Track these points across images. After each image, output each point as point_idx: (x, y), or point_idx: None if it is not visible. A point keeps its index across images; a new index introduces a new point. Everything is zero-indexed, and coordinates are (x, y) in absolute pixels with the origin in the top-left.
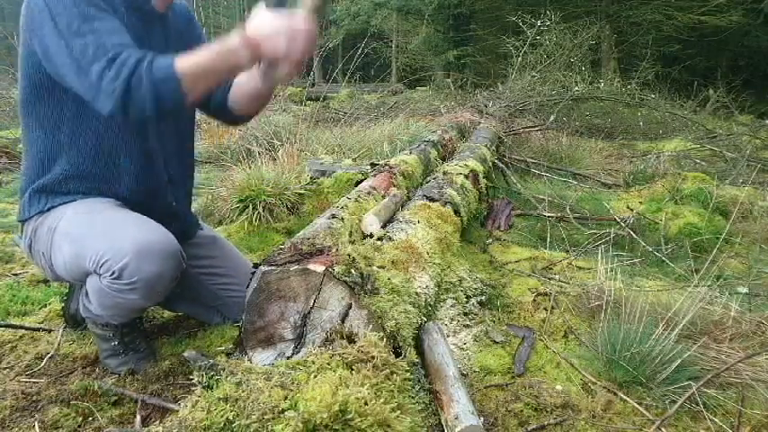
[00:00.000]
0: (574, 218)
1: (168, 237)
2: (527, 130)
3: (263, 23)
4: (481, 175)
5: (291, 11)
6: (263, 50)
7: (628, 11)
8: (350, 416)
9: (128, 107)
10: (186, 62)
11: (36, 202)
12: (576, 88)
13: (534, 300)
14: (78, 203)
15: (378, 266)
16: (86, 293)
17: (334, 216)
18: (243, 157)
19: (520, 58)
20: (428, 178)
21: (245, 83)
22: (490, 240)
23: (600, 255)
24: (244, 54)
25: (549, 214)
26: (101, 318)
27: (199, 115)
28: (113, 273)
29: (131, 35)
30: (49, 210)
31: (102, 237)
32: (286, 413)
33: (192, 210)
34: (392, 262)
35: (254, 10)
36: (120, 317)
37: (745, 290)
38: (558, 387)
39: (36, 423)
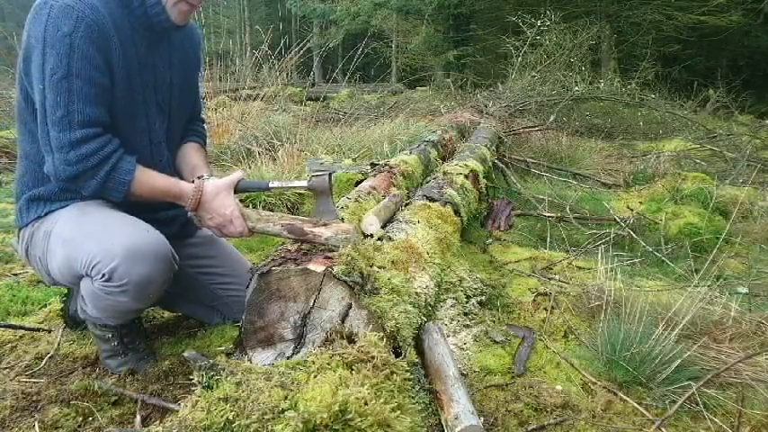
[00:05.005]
0: (574, 218)
1: (159, 238)
2: (527, 130)
3: (218, 205)
4: (481, 175)
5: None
6: (199, 215)
7: (628, 11)
8: (350, 416)
9: (68, 183)
10: (143, 182)
11: (34, 208)
12: (576, 88)
13: (534, 300)
14: (72, 207)
15: (378, 266)
16: (82, 296)
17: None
18: (243, 157)
19: (520, 58)
20: (428, 178)
21: (185, 168)
22: (490, 240)
23: (600, 255)
24: (187, 208)
25: (549, 214)
26: (98, 319)
27: None
28: (104, 275)
29: (134, 57)
30: (46, 215)
31: (93, 239)
32: (286, 413)
33: None
34: (392, 262)
35: (223, 192)
36: (116, 318)
37: (745, 290)
38: (558, 387)
39: (36, 423)
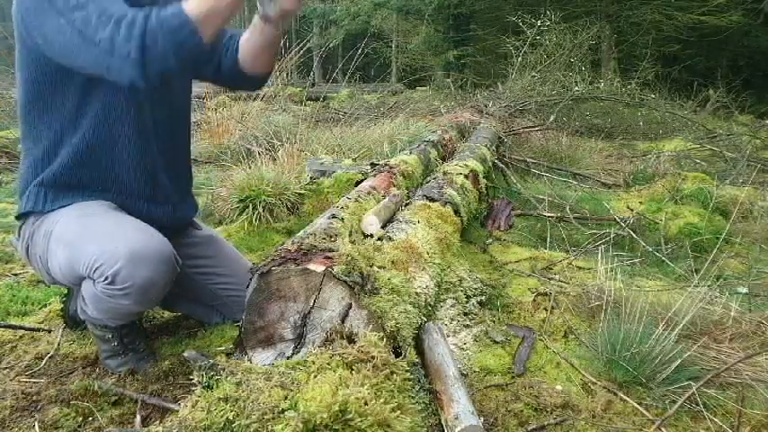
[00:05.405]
0: (574, 218)
1: (162, 241)
2: (527, 130)
3: None
4: (481, 175)
5: None
6: None
7: (628, 11)
8: (350, 416)
9: (147, 66)
10: (193, 3)
11: (36, 195)
12: (576, 88)
13: (534, 300)
14: (74, 207)
15: (378, 266)
16: (83, 297)
17: (334, 216)
18: (243, 157)
19: (520, 58)
20: (428, 178)
21: (250, 37)
22: (490, 240)
23: (600, 255)
24: None
25: (549, 214)
26: (98, 320)
27: (198, 115)
28: (107, 278)
29: None
30: (48, 212)
31: (96, 241)
32: (286, 413)
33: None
34: (392, 262)
35: None
36: (117, 320)
37: (745, 290)
38: (558, 387)
39: (36, 423)
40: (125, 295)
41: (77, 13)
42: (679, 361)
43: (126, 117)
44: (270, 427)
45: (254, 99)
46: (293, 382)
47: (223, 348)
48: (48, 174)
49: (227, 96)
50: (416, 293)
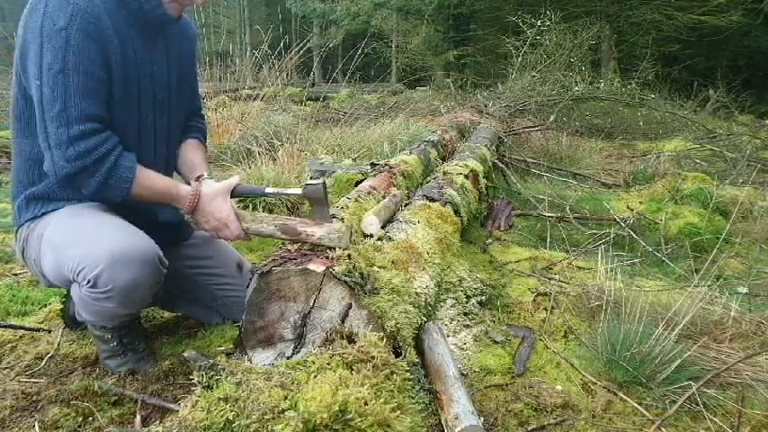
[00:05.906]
0: (574, 218)
1: (146, 243)
2: (527, 130)
3: (214, 209)
4: (481, 175)
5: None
6: (195, 218)
7: (628, 11)
8: (350, 416)
9: (68, 182)
10: (142, 181)
11: (32, 207)
12: (576, 88)
13: (534, 300)
14: (65, 210)
15: (378, 266)
16: (74, 300)
17: (334, 216)
18: (243, 157)
19: (520, 58)
20: (428, 178)
21: (182, 168)
22: (490, 240)
23: (600, 255)
24: (183, 211)
25: (549, 214)
26: (93, 322)
27: None
28: (89, 281)
29: (131, 51)
30: (42, 215)
31: (80, 245)
32: (286, 413)
33: None
34: (392, 262)
35: (219, 193)
36: (111, 321)
37: (745, 290)
38: (558, 387)
39: (36, 423)
40: (108, 298)
41: (48, 87)
42: (679, 361)
43: (122, 139)
44: (270, 427)
45: (254, 99)
46: (293, 382)
47: (223, 348)
48: (40, 189)
49: (227, 96)
50: (416, 293)
